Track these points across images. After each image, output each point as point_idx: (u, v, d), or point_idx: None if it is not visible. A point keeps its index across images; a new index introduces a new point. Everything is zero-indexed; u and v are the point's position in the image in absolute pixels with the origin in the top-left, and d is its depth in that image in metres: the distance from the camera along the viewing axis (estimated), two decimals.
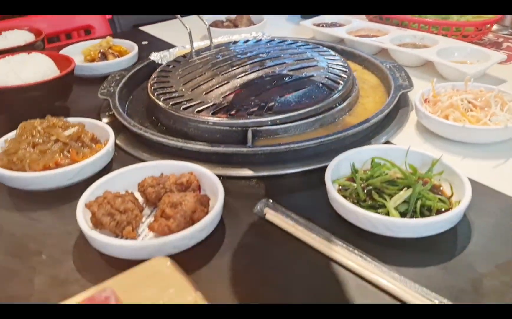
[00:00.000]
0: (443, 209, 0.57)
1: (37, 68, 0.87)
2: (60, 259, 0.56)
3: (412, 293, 0.48)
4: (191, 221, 0.56)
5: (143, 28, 1.56)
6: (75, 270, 0.54)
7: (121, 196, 0.58)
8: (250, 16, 1.42)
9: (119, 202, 0.57)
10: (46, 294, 0.51)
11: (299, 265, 0.54)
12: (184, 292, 0.43)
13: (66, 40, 1.48)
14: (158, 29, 1.52)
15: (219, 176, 0.63)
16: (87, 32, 1.55)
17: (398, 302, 0.48)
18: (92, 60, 1.13)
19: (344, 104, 0.84)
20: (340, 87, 0.86)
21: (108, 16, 1.58)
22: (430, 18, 1.18)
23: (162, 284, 0.44)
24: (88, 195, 0.59)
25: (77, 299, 0.42)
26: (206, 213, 0.57)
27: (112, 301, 0.41)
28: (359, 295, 0.49)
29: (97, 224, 0.56)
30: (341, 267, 0.53)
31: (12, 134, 0.74)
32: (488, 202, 0.62)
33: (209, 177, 0.63)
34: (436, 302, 0.46)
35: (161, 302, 0.42)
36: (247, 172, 0.70)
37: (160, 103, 0.85)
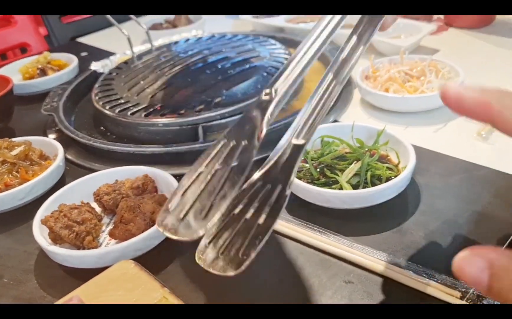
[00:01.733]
0: (392, 177, 0.60)
1: None
2: (22, 280, 0.55)
3: (370, 258, 0.50)
4: (151, 222, 0.56)
5: (80, 39, 1.52)
6: (39, 288, 0.53)
7: (77, 207, 0.58)
8: (189, 15, 1.42)
9: (75, 213, 0.56)
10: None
11: (263, 249, 0.55)
12: (151, 290, 0.44)
13: (1, 61, 1.42)
14: (96, 39, 1.49)
15: (174, 175, 0.64)
16: (23, 50, 1.49)
17: (359, 270, 0.50)
18: (31, 77, 1.10)
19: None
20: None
21: (43, 32, 1.53)
22: None
23: (128, 285, 0.45)
24: (43, 211, 0.58)
25: None
26: None
27: None
28: (323, 269, 0.51)
29: (55, 238, 0.55)
30: (303, 245, 0.54)
31: None
32: (432, 164, 0.66)
33: (164, 177, 0.63)
34: (395, 263, 0.49)
35: (128, 303, 0.43)
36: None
37: (106, 111, 0.84)
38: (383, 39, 1.00)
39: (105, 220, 0.62)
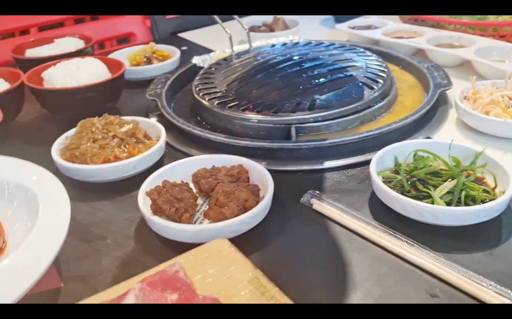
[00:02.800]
0: (487, 200, 0.59)
1: (92, 72, 0.92)
2: (123, 244, 0.60)
3: (459, 276, 0.50)
4: (244, 209, 0.59)
5: (180, 35, 1.62)
6: (138, 253, 0.59)
7: (178, 185, 0.62)
8: (285, 20, 1.46)
9: (177, 191, 0.61)
10: (113, 273, 0.55)
11: (348, 251, 0.56)
12: (244, 269, 0.47)
13: (110, 47, 1.55)
14: (195, 35, 1.57)
15: None
16: (122, 41, 1.61)
17: (445, 285, 0.50)
18: (137, 65, 1.19)
19: (384, 102, 0.87)
20: (379, 85, 0.88)
21: (148, 24, 1.64)
22: (466, 19, 1.19)
23: (223, 262, 0.48)
24: (147, 184, 0.63)
25: (151, 272, 0.45)
26: (257, 202, 0.60)
27: (181, 276, 0.44)
28: (407, 279, 0.51)
29: (157, 210, 0.60)
30: (388, 253, 0.55)
31: (71, 132, 0.79)
32: None
33: (257, 169, 0.66)
34: (484, 285, 0.48)
35: (223, 278, 0.46)
36: (292, 166, 0.74)
37: (205, 102, 0.89)
38: (486, 62, 0.97)
39: (199, 201, 0.66)
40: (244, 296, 0.43)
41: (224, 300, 0.41)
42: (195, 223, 0.61)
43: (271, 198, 0.61)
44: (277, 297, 0.43)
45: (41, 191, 0.58)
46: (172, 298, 0.42)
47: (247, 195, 0.60)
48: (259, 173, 0.66)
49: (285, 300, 0.43)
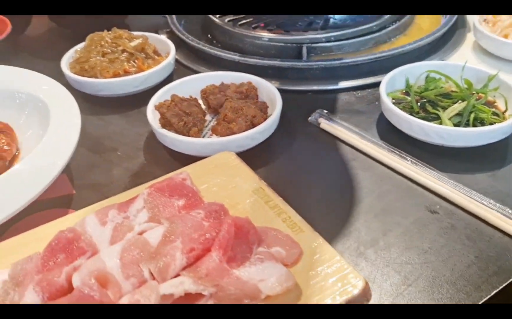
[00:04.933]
0: (496, 123, 0.58)
1: None
2: (133, 155, 0.62)
3: (460, 194, 0.51)
4: (251, 125, 0.60)
5: None
6: (147, 164, 0.60)
7: (187, 99, 0.63)
8: None
9: (185, 105, 0.61)
10: (124, 182, 0.57)
11: (352, 169, 0.57)
12: (250, 180, 0.48)
13: None
14: None
15: None
16: None
17: (446, 203, 0.51)
18: None
19: (399, 23, 0.84)
20: None
21: None
22: None
23: (230, 172, 0.49)
24: (156, 98, 0.64)
25: (159, 180, 0.47)
26: (265, 119, 0.61)
27: (188, 183, 0.46)
28: (409, 196, 0.52)
29: (165, 124, 0.61)
30: (392, 171, 0.56)
31: (80, 46, 0.79)
32: None
33: (266, 87, 0.66)
34: (484, 203, 0.49)
35: (229, 187, 0.47)
36: (302, 86, 0.73)
37: (216, 20, 0.88)
38: None
39: (208, 117, 0.66)
40: (248, 204, 0.45)
41: (229, 207, 0.42)
42: (203, 137, 0.62)
43: (279, 114, 0.61)
44: (280, 205, 0.44)
45: (52, 100, 0.59)
46: (179, 203, 0.44)
47: (255, 111, 0.60)
48: (268, 90, 0.65)
49: (287, 209, 0.44)
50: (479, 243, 0.46)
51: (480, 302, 0.40)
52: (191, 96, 0.65)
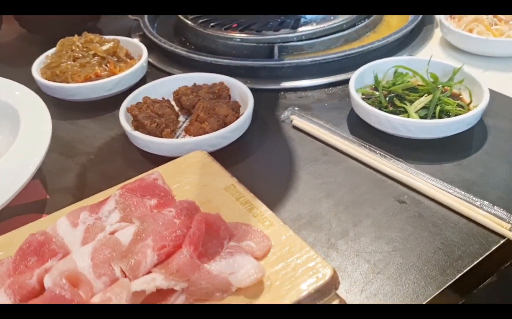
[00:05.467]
0: (461, 114, 0.60)
1: None
2: (106, 159, 0.62)
3: (426, 183, 0.52)
4: (224, 124, 0.60)
5: None
6: (121, 167, 0.60)
7: (159, 101, 0.63)
8: None
9: (157, 107, 0.61)
10: (98, 185, 0.57)
11: (323, 163, 0.58)
12: (222, 177, 0.49)
13: None
14: None
15: None
16: None
17: (413, 193, 0.52)
18: None
19: (368, 21, 0.86)
20: None
21: None
22: None
23: (201, 171, 0.50)
24: (128, 101, 0.64)
25: (131, 181, 0.47)
26: (237, 118, 0.61)
27: (160, 183, 0.46)
28: (378, 188, 0.53)
29: (138, 126, 0.61)
30: (362, 164, 0.57)
31: (52, 51, 0.78)
32: (505, 109, 0.65)
33: (238, 86, 0.67)
34: (450, 191, 0.51)
35: (201, 185, 0.48)
36: (274, 84, 0.74)
37: (188, 22, 0.88)
38: None
39: (181, 118, 0.67)
40: (219, 201, 0.45)
41: (200, 205, 0.43)
42: (177, 138, 0.62)
43: (251, 113, 0.62)
44: (251, 201, 0.45)
45: (22, 106, 0.58)
46: (151, 203, 0.44)
47: (227, 111, 0.61)
48: (240, 90, 0.66)
49: (258, 204, 0.45)
50: (445, 230, 0.47)
51: (445, 286, 0.42)
52: (163, 98, 0.66)
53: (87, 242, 0.40)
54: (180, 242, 0.38)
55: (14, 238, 0.43)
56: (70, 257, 0.37)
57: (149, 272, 0.37)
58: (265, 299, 0.36)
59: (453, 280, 0.42)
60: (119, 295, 0.34)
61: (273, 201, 0.51)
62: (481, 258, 0.44)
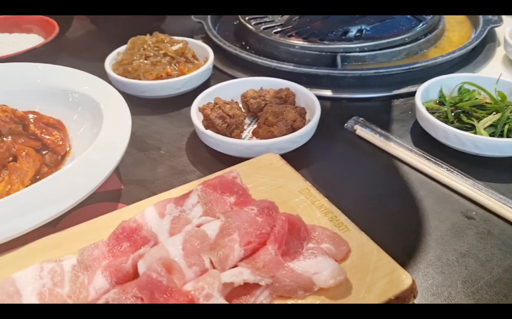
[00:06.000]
0: None
1: None
2: (176, 154, 0.65)
3: (495, 201, 0.52)
4: (292, 129, 0.62)
5: None
6: (190, 163, 0.63)
7: (229, 103, 0.65)
8: None
9: (228, 108, 0.64)
10: (169, 179, 0.60)
11: (388, 175, 0.59)
12: (295, 181, 0.50)
13: None
14: None
15: None
16: None
17: (481, 210, 0.52)
18: None
19: (430, 36, 0.87)
20: (428, 18, 0.87)
21: None
22: None
23: (275, 173, 0.52)
24: (199, 100, 0.66)
25: (209, 177, 0.50)
26: (304, 123, 0.63)
27: (238, 181, 0.48)
28: (445, 202, 0.54)
29: (208, 126, 0.63)
30: (428, 178, 0.58)
31: (122, 48, 0.82)
32: None
33: (304, 93, 0.68)
34: None
35: (275, 187, 0.50)
36: (336, 93, 0.76)
37: (251, 27, 0.90)
38: None
39: (247, 120, 0.69)
40: (295, 203, 0.47)
41: (278, 205, 0.45)
42: (243, 139, 0.65)
43: (318, 119, 0.63)
44: (326, 205, 0.47)
45: (104, 100, 0.62)
46: (230, 200, 0.46)
47: (295, 116, 0.63)
48: (306, 96, 0.68)
49: (333, 208, 0.46)
50: None
51: None
52: (232, 100, 0.68)
53: (174, 232, 0.42)
54: (265, 240, 0.40)
55: (102, 223, 0.46)
56: (162, 245, 0.40)
57: (235, 266, 0.39)
58: (345, 301, 0.37)
59: None
60: (211, 285, 0.36)
61: (342, 207, 0.52)
62: None
